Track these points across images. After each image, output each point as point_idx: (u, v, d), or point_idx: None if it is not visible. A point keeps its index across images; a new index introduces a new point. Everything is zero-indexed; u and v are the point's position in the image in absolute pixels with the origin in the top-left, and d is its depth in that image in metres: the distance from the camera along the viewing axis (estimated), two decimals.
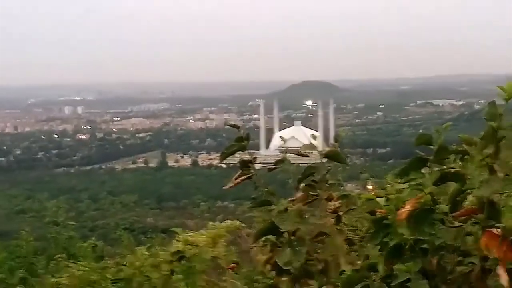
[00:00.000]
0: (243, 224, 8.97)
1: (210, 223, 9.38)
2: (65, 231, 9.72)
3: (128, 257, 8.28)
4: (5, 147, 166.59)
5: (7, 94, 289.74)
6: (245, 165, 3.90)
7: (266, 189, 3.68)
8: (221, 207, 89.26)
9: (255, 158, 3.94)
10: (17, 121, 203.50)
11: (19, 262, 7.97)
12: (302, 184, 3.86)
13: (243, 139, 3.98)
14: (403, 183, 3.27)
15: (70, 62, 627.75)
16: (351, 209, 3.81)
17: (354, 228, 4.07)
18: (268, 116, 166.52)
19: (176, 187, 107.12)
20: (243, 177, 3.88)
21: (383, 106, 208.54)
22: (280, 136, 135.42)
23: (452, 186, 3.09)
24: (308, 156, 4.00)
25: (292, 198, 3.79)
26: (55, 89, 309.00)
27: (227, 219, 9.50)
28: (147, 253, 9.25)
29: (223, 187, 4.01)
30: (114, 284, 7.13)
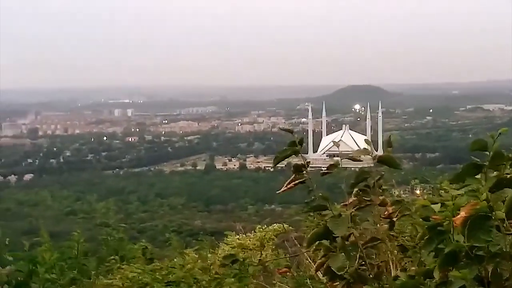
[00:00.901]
0: (291, 228, 8.97)
1: (258, 226, 9.40)
2: (115, 233, 9.79)
3: (178, 259, 8.33)
4: (55, 149, 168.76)
5: (58, 97, 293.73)
6: (299, 169, 3.89)
7: (320, 194, 3.68)
8: (269, 210, 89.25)
9: (308, 162, 3.93)
10: (67, 123, 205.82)
11: (70, 263, 8.04)
12: (355, 189, 3.84)
13: (296, 144, 3.98)
14: (458, 189, 3.24)
15: (120, 65, 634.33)
16: (405, 215, 3.78)
17: (408, 234, 4.05)
18: (316, 119, 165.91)
19: (224, 190, 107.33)
20: (296, 182, 3.88)
21: (432, 110, 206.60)
22: (333, 141, 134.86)
23: (509, 192, 3.05)
24: (361, 160, 3.98)
25: (345, 203, 3.78)
26: (105, 92, 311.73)
27: (274, 223, 9.50)
28: (196, 255, 9.31)
29: (277, 192, 4.01)
30: (167, 287, 7.18)
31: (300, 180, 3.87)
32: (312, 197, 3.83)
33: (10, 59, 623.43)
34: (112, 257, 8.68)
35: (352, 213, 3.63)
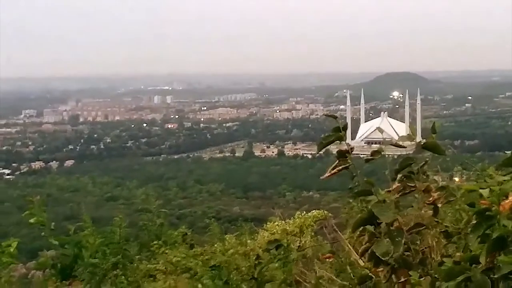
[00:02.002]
0: (329, 214, 8.96)
1: (298, 212, 9.41)
2: (156, 219, 9.87)
3: (218, 245, 8.37)
4: (96, 135, 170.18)
5: (99, 84, 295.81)
6: (342, 155, 3.89)
7: (365, 179, 3.68)
8: (307, 197, 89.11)
9: (352, 148, 3.93)
10: (108, 110, 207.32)
11: (113, 248, 8.12)
12: (399, 175, 3.83)
13: (340, 129, 3.97)
14: (504, 175, 3.22)
15: (159, 52, 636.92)
16: (450, 201, 3.76)
17: (453, 220, 4.02)
18: (354, 107, 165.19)
19: (262, 177, 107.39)
20: (340, 167, 3.88)
21: (471, 97, 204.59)
22: (378, 127, 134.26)
23: None
24: (404, 147, 3.97)
25: (389, 189, 3.77)
26: (145, 79, 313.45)
27: (312, 209, 9.51)
28: (236, 241, 9.34)
29: (320, 177, 4.00)
30: (209, 271, 7.23)
31: (344, 166, 3.87)
32: (356, 183, 3.83)
33: (52, 47, 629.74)
34: (155, 242, 8.75)
35: (396, 199, 3.63)
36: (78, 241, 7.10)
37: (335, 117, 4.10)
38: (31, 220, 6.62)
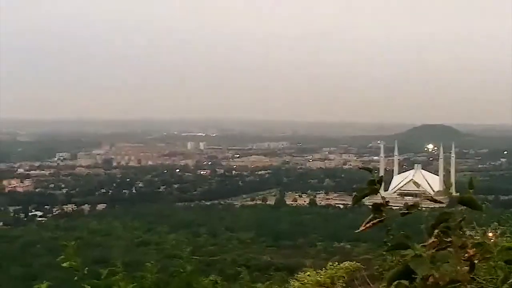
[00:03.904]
0: (361, 266, 8.90)
1: (329, 263, 9.35)
2: (187, 265, 9.87)
3: None
4: (128, 180, 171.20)
5: (133, 128, 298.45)
6: (378, 208, 3.89)
7: (402, 233, 3.66)
8: (338, 247, 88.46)
9: (387, 202, 3.92)
10: (141, 155, 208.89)
11: None
12: (436, 230, 3.81)
13: (376, 182, 3.97)
14: None
15: (193, 98, 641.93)
16: (486, 257, 3.73)
17: (488, 277, 3.99)
18: (388, 158, 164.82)
19: (293, 226, 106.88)
20: (375, 221, 3.87)
21: (506, 152, 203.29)
22: (414, 181, 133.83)
23: None
24: (442, 202, 3.96)
25: (424, 243, 3.75)
26: (178, 124, 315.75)
27: (343, 260, 9.45)
28: None
29: (355, 231, 3.99)
30: None
31: (380, 219, 3.86)
32: (391, 236, 3.82)
33: (87, 91, 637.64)
34: None
35: (432, 254, 3.61)
36: (110, 286, 7.12)
37: (371, 170, 4.10)
38: (65, 264, 6.65)
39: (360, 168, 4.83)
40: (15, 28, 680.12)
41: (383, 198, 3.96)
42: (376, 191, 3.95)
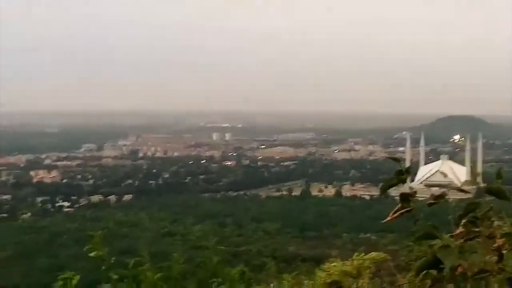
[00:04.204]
0: (388, 257, 8.86)
1: (356, 254, 9.33)
2: (214, 256, 9.88)
3: (275, 284, 8.35)
4: (154, 171, 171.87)
5: (159, 119, 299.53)
6: (405, 198, 3.88)
7: (429, 223, 3.65)
8: (363, 238, 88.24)
9: (415, 192, 3.91)
10: (167, 146, 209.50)
11: (170, 284, 8.16)
12: (463, 220, 3.80)
13: (403, 173, 3.96)
14: None
15: (219, 89, 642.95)
16: None
17: None
18: (414, 149, 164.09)
19: (319, 217, 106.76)
20: (403, 211, 3.86)
21: None
22: (441, 171, 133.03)
23: None
24: (468, 192, 3.94)
25: (452, 234, 3.74)
26: (204, 116, 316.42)
27: (370, 251, 9.41)
28: (293, 281, 9.29)
29: (382, 221, 3.99)
30: None
31: (407, 209, 3.85)
32: (418, 226, 3.81)
33: (115, 82, 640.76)
34: (214, 280, 8.78)
35: (461, 244, 3.60)
36: (137, 276, 7.15)
37: (398, 160, 4.10)
38: (92, 254, 6.70)
39: (388, 158, 4.83)
40: (47, 21, 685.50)
41: (410, 188, 3.96)
42: (403, 181, 3.96)
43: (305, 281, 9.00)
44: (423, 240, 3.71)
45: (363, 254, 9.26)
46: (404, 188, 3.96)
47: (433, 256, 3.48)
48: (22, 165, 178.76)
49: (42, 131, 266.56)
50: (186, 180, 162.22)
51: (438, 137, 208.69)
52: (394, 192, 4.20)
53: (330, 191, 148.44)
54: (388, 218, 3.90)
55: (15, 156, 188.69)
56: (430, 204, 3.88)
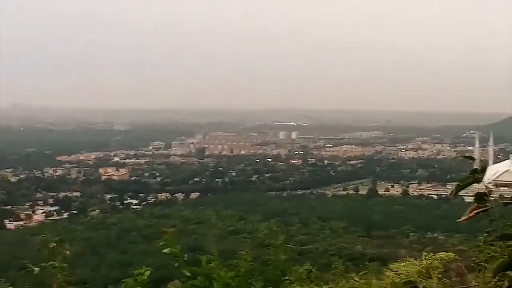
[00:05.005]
0: (457, 257, 8.76)
1: (424, 253, 9.23)
2: (282, 254, 9.89)
3: (343, 283, 8.32)
4: (221, 169, 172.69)
5: (226, 118, 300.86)
6: (481, 198, 3.83)
7: (507, 223, 3.60)
8: (431, 238, 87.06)
9: (491, 191, 3.86)
10: (234, 144, 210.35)
11: (238, 281, 8.19)
12: None
13: (478, 172, 3.91)
14: None
15: (287, 88, 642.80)
16: None
17: None
18: (483, 148, 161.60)
19: (386, 216, 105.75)
20: (478, 210, 3.81)
21: None
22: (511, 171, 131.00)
23: None
24: None
25: None
26: (271, 114, 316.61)
27: (437, 251, 9.31)
28: (361, 280, 9.24)
29: (457, 220, 3.94)
30: None
31: (483, 209, 3.80)
32: (494, 226, 3.76)
33: (182, 81, 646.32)
34: (286, 278, 8.80)
35: None
36: (210, 273, 7.19)
37: (473, 159, 4.05)
38: (165, 250, 6.75)
39: (462, 157, 4.77)
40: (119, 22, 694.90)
41: (486, 187, 3.91)
42: (479, 180, 3.90)
43: (374, 280, 8.97)
44: (502, 240, 3.66)
45: (432, 254, 9.18)
46: (476, 188, 3.92)
47: (510, 257, 3.42)
48: (91, 163, 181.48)
49: (111, 129, 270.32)
50: (253, 178, 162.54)
51: (508, 136, 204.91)
52: (464, 191, 4.15)
53: (396, 190, 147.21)
54: (464, 217, 3.85)
55: (84, 154, 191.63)
56: (506, 204, 3.83)
